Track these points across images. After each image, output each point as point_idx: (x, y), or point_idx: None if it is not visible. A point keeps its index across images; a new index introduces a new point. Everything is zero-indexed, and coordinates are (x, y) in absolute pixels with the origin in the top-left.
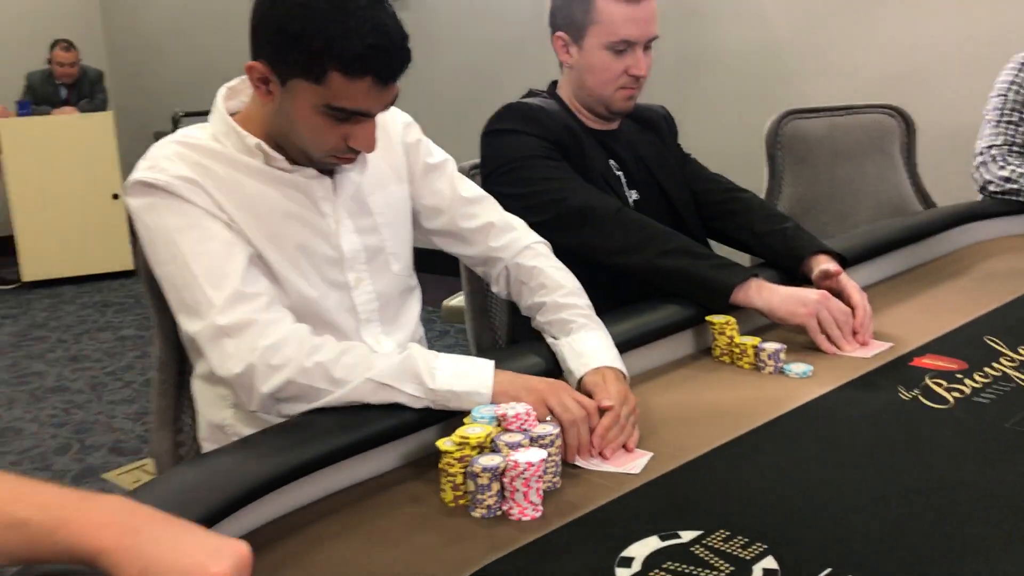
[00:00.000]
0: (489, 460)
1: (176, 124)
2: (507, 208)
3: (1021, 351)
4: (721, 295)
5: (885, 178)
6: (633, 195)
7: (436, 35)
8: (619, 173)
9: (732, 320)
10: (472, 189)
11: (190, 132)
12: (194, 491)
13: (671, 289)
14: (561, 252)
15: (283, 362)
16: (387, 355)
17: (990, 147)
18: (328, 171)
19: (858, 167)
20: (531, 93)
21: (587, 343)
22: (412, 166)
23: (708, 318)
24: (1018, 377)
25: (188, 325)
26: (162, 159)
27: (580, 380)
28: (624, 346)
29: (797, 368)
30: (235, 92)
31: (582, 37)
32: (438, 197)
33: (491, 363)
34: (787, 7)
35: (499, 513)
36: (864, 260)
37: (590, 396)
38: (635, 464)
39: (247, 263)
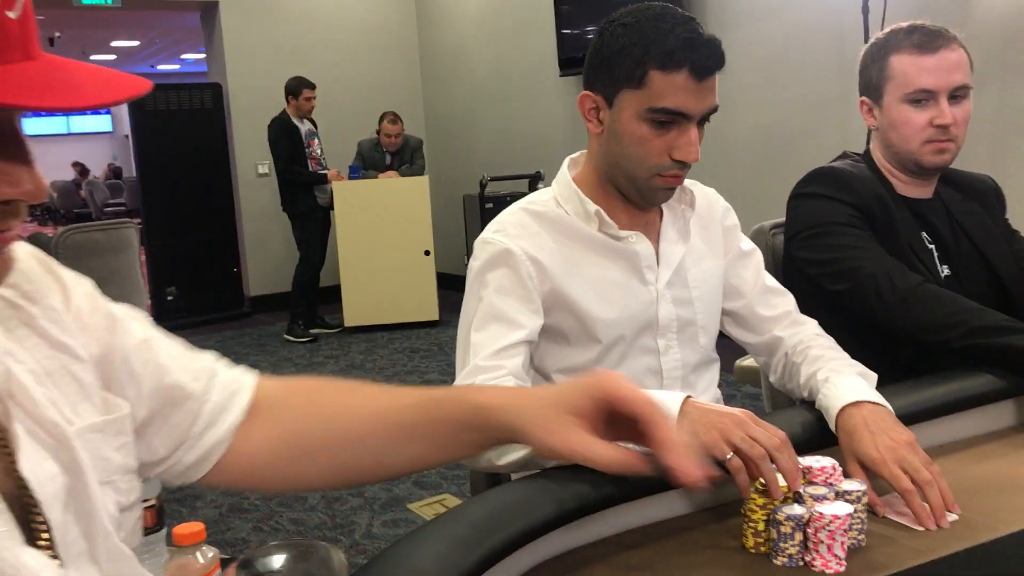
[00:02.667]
0: (793, 509)
1: (483, 187)
2: (806, 273)
3: None
4: None
5: None
6: (944, 270)
7: (734, 98)
8: (931, 246)
9: None
10: (774, 282)
11: (535, 197)
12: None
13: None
14: (861, 325)
15: None
16: None
17: None
18: (655, 235)
19: None
20: (844, 155)
21: (834, 391)
22: (728, 247)
23: None
24: None
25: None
26: (509, 225)
27: (838, 429)
28: (934, 412)
29: None
30: (575, 163)
31: (882, 96)
32: (742, 281)
33: (683, 395)
34: None
35: (800, 564)
36: None
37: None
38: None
39: (513, 343)
